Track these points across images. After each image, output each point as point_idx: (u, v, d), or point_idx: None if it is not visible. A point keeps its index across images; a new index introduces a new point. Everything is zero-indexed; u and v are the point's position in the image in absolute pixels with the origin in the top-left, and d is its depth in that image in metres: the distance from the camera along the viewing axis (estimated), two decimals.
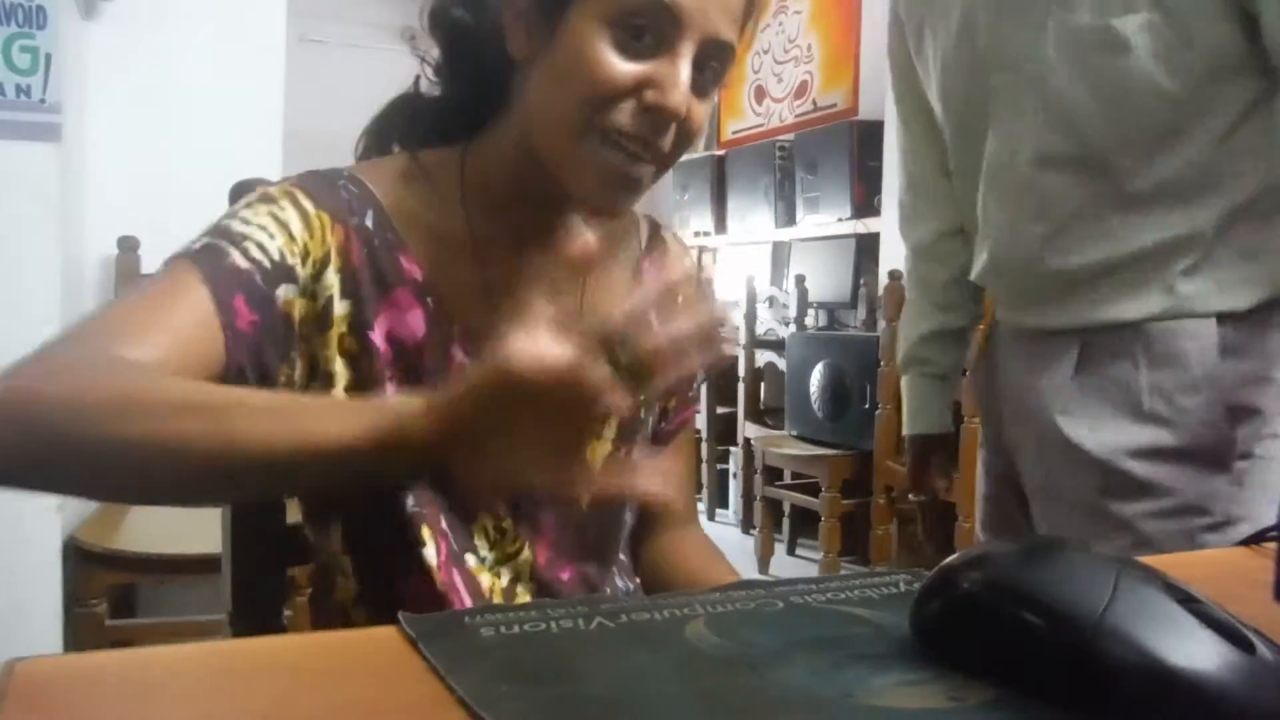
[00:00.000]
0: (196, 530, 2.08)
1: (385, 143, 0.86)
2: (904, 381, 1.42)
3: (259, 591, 0.79)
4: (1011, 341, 1.22)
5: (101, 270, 2.36)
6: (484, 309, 0.79)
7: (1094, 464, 1.08)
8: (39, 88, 1.94)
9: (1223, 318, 1.05)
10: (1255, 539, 0.71)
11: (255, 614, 0.83)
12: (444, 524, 0.79)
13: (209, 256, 0.69)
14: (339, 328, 0.74)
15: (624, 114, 0.70)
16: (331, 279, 0.74)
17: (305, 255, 0.72)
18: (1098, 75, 1.04)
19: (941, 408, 1.39)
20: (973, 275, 1.24)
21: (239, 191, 0.94)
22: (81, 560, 2.00)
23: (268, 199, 0.73)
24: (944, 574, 0.49)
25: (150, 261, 2.34)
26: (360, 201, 0.76)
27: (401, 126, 0.85)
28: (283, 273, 0.71)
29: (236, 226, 0.71)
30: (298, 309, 0.73)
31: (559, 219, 0.82)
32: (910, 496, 1.50)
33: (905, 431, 1.41)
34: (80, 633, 1.99)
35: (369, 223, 0.76)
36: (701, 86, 0.72)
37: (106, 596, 2.03)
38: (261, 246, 0.70)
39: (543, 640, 0.49)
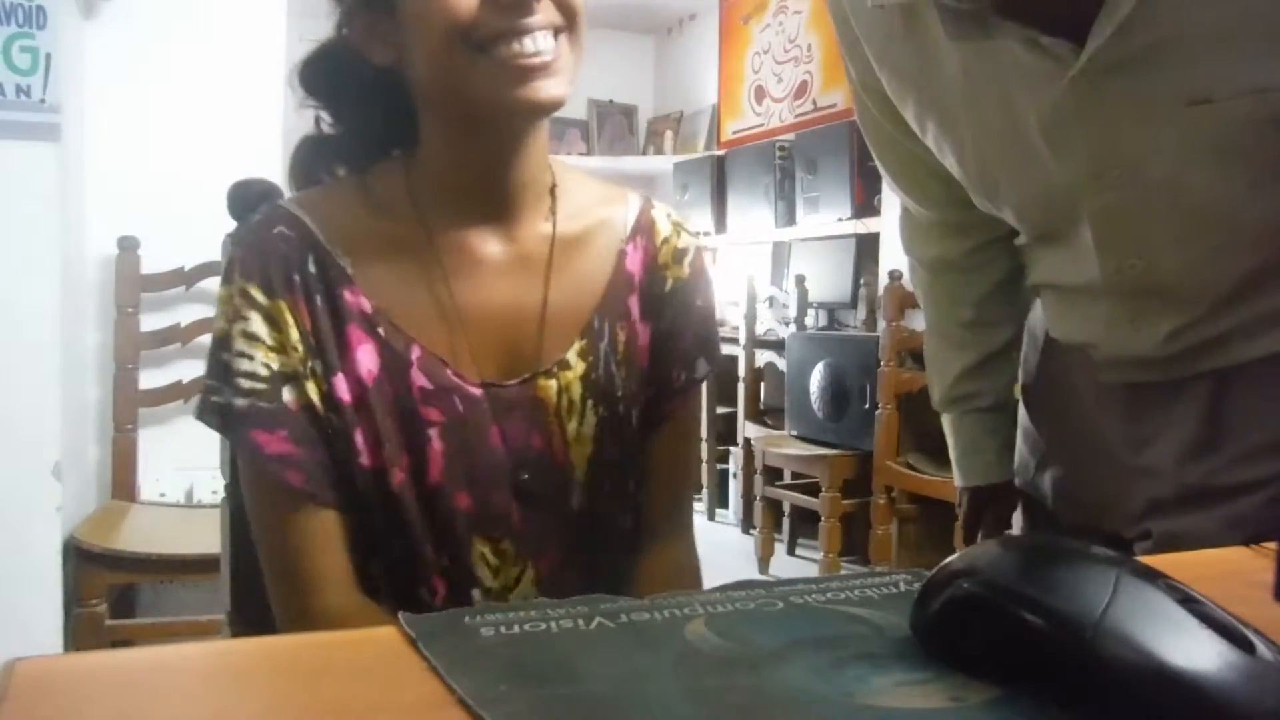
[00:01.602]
0: (196, 530, 2.08)
1: (315, 180, 0.87)
2: (946, 422, 1.18)
3: (259, 591, 0.79)
4: (1100, 393, 1.00)
5: (101, 270, 2.36)
6: (446, 323, 0.79)
7: (1233, 505, 0.90)
8: (39, 88, 1.94)
9: None
10: (1255, 539, 0.71)
11: (255, 614, 0.82)
12: (442, 559, 0.78)
13: (232, 425, 0.75)
14: (319, 384, 0.77)
15: (488, 24, 0.71)
16: (304, 349, 0.76)
17: (283, 348, 0.76)
18: (1253, 156, 0.84)
19: (999, 448, 1.14)
20: (1059, 335, 1.02)
21: (238, 191, 0.94)
22: (81, 560, 2.01)
23: (233, 313, 0.76)
24: (944, 574, 0.49)
25: (150, 261, 2.35)
26: (299, 246, 0.78)
27: (323, 163, 0.87)
28: (277, 381, 0.75)
29: (231, 363, 0.76)
30: (310, 394, 0.76)
31: (515, 199, 0.80)
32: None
33: (957, 483, 1.18)
34: (80, 633, 1.99)
35: (311, 268, 0.77)
36: None
37: (106, 596, 2.03)
38: (252, 375, 0.75)
39: (543, 640, 0.49)
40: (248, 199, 0.95)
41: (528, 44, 0.72)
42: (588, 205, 0.86)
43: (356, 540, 0.77)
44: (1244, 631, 0.43)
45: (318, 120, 0.86)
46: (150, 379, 2.37)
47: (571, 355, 0.82)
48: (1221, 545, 0.85)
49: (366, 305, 0.78)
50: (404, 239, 0.79)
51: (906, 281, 2.84)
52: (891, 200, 2.45)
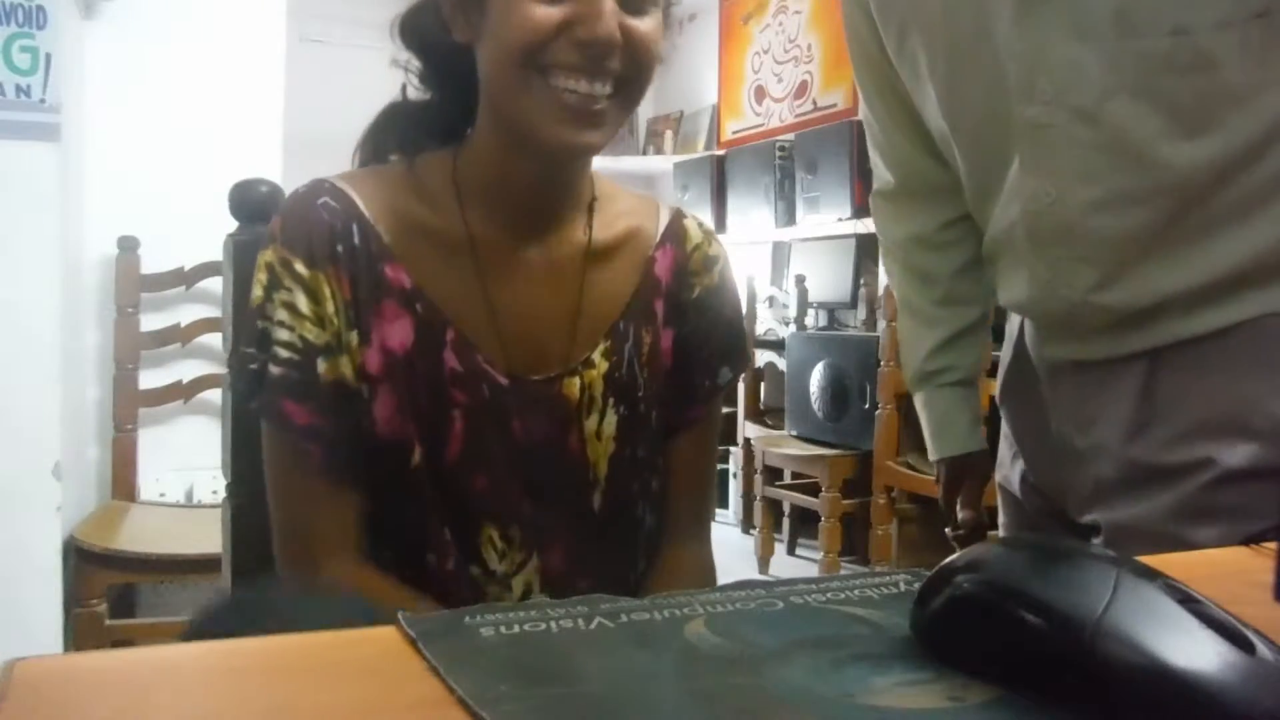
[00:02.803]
0: (196, 530, 2.08)
1: (382, 153, 0.87)
2: (918, 399, 1.22)
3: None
4: (1051, 375, 1.05)
5: (101, 270, 2.36)
6: (480, 312, 0.80)
7: (1172, 489, 0.93)
8: (39, 88, 1.94)
9: None
10: (1255, 539, 0.71)
11: None
12: (449, 536, 0.79)
13: (266, 392, 0.77)
14: (354, 356, 0.78)
15: (560, 52, 0.72)
16: (340, 321, 0.78)
17: (320, 321, 0.77)
18: (1174, 98, 0.88)
19: (971, 420, 1.19)
20: (1001, 302, 1.07)
21: (239, 191, 0.94)
22: (81, 560, 2.01)
23: (273, 281, 0.77)
24: (944, 574, 0.49)
25: (150, 261, 2.35)
26: (344, 217, 0.79)
27: (395, 134, 0.87)
28: (313, 352, 0.77)
29: (270, 331, 0.77)
30: (342, 368, 0.78)
31: (554, 210, 0.82)
32: (947, 532, 1.25)
33: (932, 456, 1.22)
34: (80, 633, 1.99)
35: (355, 239, 0.78)
36: (634, 5, 0.74)
37: (106, 596, 2.04)
38: (289, 345, 0.77)
39: (543, 640, 0.49)
40: (249, 200, 0.95)
41: (584, 85, 0.73)
42: (621, 215, 0.88)
43: (369, 509, 0.79)
44: (1244, 631, 0.43)
45: (404, 89, 0.87)
46: (150, 379, 2.38)
47: (596, 355, 0.83)
48: (1167, 536, 0.92)
49: (406, 281, 0.79)
50: (445, 229, 0.80)
51: None
52: None
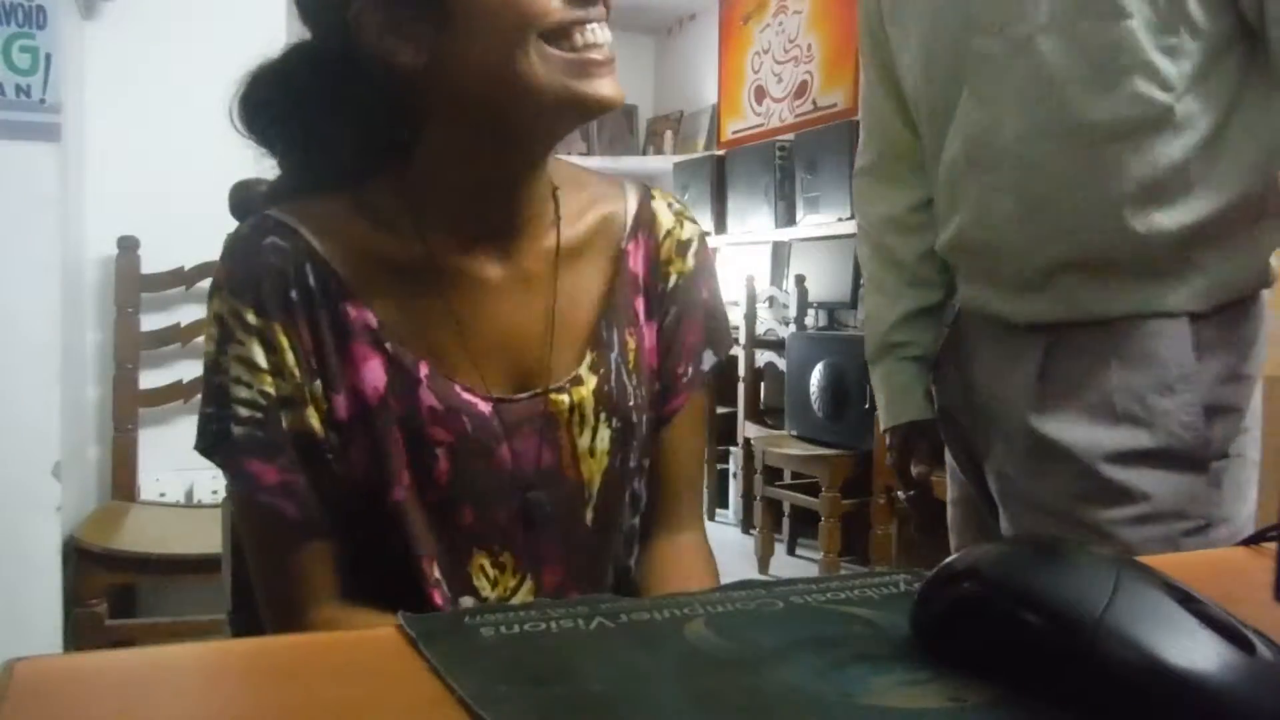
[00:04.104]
0: (196, 530, 2.08)
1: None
2: (877, 372, 1.32)
3: None
4: (978, 334, 1.16)
5: (101, 270, 2.36)
6: (454, 340, 0.77)
7: (1068, 469, 1.03)
8: (39, 88, 1.94)
9: (1195, 315, 1.01)
10: (1255, 539, 0.71)
11: (255, 614, 0.82)
12: (437, 571, 0.77)
13: (229, 454, 0.73)
14: (319, 405, 0.74)
15: (557, 12, 0.69)
16: (301, 372, 0.74)
17: (278, 371, 0.73)
18: (1088, 42, 0.98)
19: (925, 392, 1.29)
20: (938, 246, 1.18)
21: (238, 191, 0.94)
22: (81, 560, 2.01)
23: (225, 335, 0.73)
24: (944, 574, 0.49)
25: (150, 261, 2.35)
26: (294, 258, 0.74)
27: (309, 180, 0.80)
28: (275, 407, 0.73)
29: (227, 388, 0.73)
30: (308, 419, 0.74)
31: (522, 215, 0.78)
32: (899, 494, 1.37)
33: (885, 424, 1.31)
34: (80, 633, 1.99)
35: (310, 280, 0.74)
36: None
37: (106, 596, 2.03)
38: (249, 403, 0.73)
39: (543, 640, 0.49)
40: (250, 199, 0.95)
41: (590, 34, 0.70)
42: (587, 205, 0.83)
43: (351, 553, 0.76)
44: (1244, 631, 0.43)
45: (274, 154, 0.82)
46: (150, 379, 2.38)
47: (584, 370, 0.80)
48: (1066, 515, 1.04)
49: (371, 320, 0.75)
50: (404, 256, 0.76)
51: None
52: None
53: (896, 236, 1.28)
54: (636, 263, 0.85)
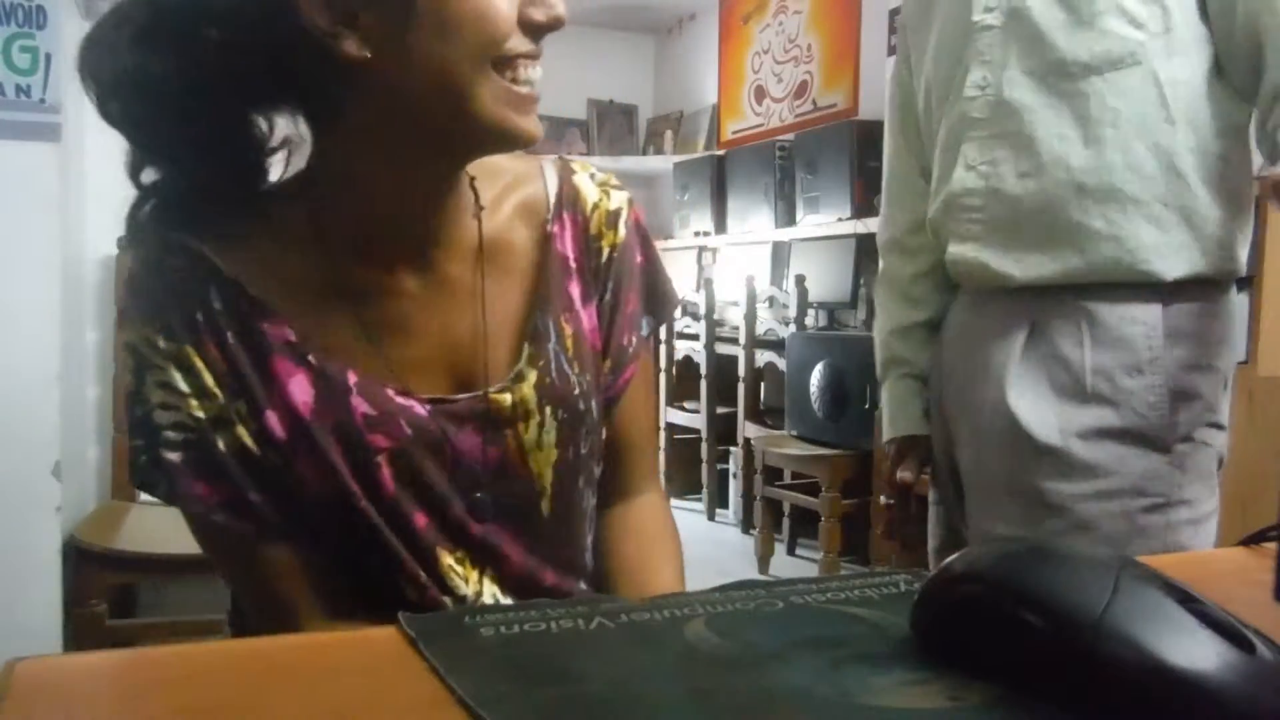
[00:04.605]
0: None
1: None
2: (884, 388, 1.41)
3: None
4: (965, 311, 1.24)
5: (101, 270, 2.36)
6: (380, 346, 0.74)
7: (1032, 444, 1.10)
8: (39, 88, 1.94)
9: (1167, 300, 1.08)
10: (1255, 539, 0.71)
11: None
12: (421, 573, 0.75)
13: (168, 482, 0.71)
14: (248, 425, 0.71)
15: (519, 43, 0.68)
16: (223, 393, 0.71)
17: (201, 393, 0.71)
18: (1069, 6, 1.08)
19: (920, 408, 1.37)
20: (931, 213, 1.25)
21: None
22: (81, 560, 2.01)
23: (141, 363, 0.71)
24: (944, 574, 0.49)
25: None
26: (197, 279, 0.71)
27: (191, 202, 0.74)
28: (207, 427, 0.71)
29: (151, 416, 0.71)
30: (242, 439, 0.71)
31: (440, 222, 0.76)
32: (882, 499, 1.45)
33: (886, 436, 1.40)
34: (80, 633, 1.99)
35: (215, 303, 0.71)
36: None
37: (106, 596, 2.03)
38: (179, 425, 0.71)
39: (543, 640, 0.49)
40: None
41: (532, 70, 0.69)
42: (505, 192, 0.81)
43: (326, 563, 0.75)
44: (1244, 631, 0.43)
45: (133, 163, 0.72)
46: None
47: (523, 365, 0.78)
48: (1030, 490, 1.10)
49: (290, 334, 0.72)
50: (316, 278, 0.73)
51: None
52: None
53: (896, 256, 1.37)
54: (564, 244, 0.82)
